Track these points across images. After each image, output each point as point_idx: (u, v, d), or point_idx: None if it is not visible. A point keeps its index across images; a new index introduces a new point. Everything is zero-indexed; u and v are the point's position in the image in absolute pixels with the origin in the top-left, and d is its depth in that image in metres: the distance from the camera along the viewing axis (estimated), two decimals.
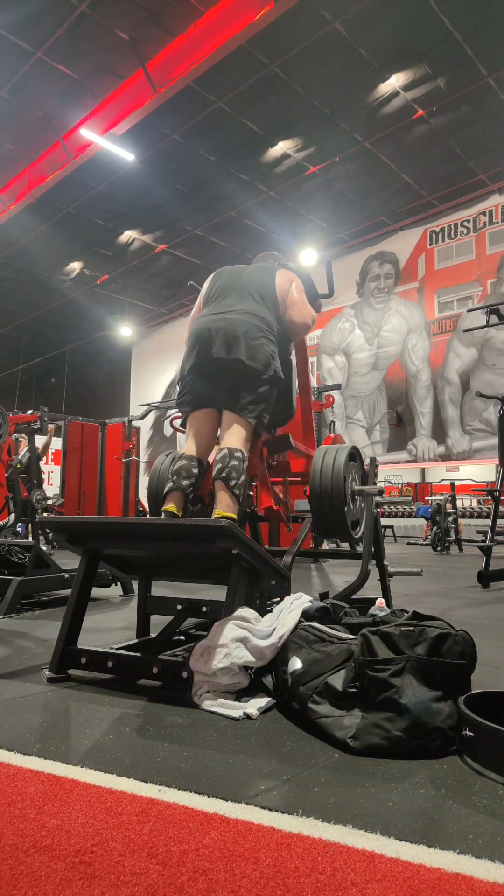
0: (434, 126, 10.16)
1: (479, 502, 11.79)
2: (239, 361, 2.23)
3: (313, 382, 14.03)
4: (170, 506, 2.20)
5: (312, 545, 6.36)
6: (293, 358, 2.85)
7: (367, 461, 2.90)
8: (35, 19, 7.72)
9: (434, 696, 1.22)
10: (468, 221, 12.69)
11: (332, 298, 3.35)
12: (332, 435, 2.96)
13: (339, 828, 0.90)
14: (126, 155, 10.42)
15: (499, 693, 1.28)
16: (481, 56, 8.63)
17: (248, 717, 1.41)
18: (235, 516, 2.07)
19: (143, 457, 15.52)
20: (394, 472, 13.97)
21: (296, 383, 2.88)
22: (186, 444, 2.33)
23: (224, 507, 2.10)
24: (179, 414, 2.48)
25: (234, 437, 2.22)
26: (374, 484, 2.89)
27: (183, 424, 2.45)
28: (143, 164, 10.91)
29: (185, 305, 18.10)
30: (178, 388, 2.44)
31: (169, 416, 7.36)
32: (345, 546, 6.81)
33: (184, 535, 1.75)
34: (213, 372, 2.29)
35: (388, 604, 2.64)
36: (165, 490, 2.25)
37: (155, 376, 19.00)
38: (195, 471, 2.26)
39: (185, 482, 2.23)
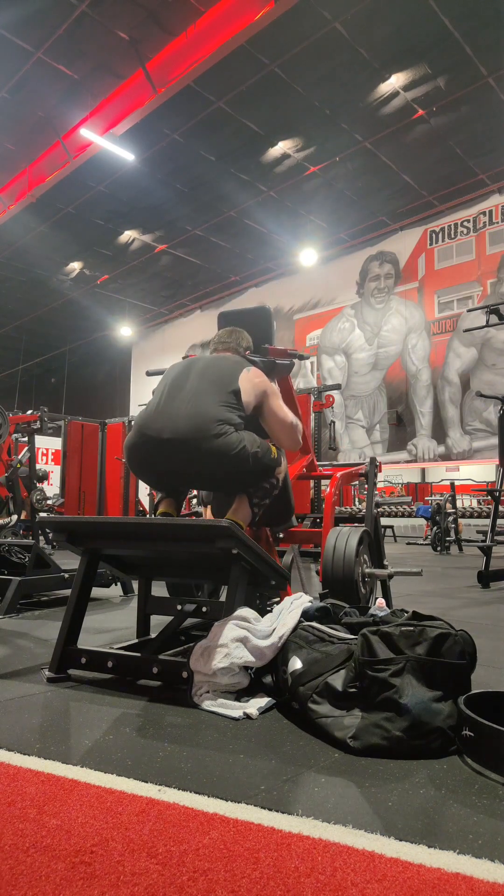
0: (434, 126, 10.16)
1: (479, 502, 11.78)
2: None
3: (313, 382, 14.06)
4: (163, 509, 2.20)
5: (313, 545, 6.35)
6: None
7: (366, 462, 2.91)
8: (35, 19, 7.72)
9: (434, 696, 1.22)
10: (468, 221, 12.68)
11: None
12: (337, 476, 2.86)
13: (339, 828, 0.90)
14: (126, 155, 10.42)
15: (499, 693, 1.28)
16: (481, 56, 8.63)
17: (248, 717, 1.41)
18: (243, 524, 2.07)
19: None
20: (394, 472, 13.97)
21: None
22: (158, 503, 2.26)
23: (233, 512, 2.09)
24: None
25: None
26: (374, 483, 2.90)
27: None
28: (143, 164, 10.91)
29: (185, 305, 18.10)
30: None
31: None
32: None
33: (184, 535, 1.75)
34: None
35: (388, 604, 2.64)
36: (158, 498, 2.25)
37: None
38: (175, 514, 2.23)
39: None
